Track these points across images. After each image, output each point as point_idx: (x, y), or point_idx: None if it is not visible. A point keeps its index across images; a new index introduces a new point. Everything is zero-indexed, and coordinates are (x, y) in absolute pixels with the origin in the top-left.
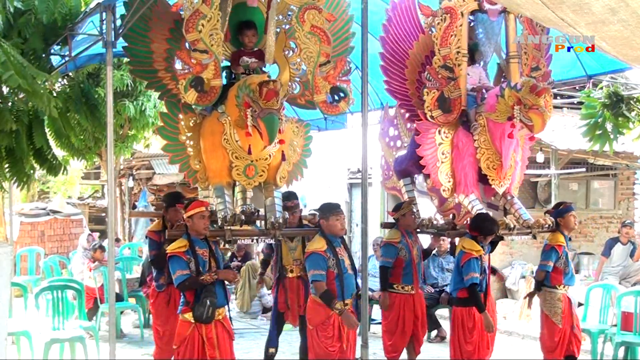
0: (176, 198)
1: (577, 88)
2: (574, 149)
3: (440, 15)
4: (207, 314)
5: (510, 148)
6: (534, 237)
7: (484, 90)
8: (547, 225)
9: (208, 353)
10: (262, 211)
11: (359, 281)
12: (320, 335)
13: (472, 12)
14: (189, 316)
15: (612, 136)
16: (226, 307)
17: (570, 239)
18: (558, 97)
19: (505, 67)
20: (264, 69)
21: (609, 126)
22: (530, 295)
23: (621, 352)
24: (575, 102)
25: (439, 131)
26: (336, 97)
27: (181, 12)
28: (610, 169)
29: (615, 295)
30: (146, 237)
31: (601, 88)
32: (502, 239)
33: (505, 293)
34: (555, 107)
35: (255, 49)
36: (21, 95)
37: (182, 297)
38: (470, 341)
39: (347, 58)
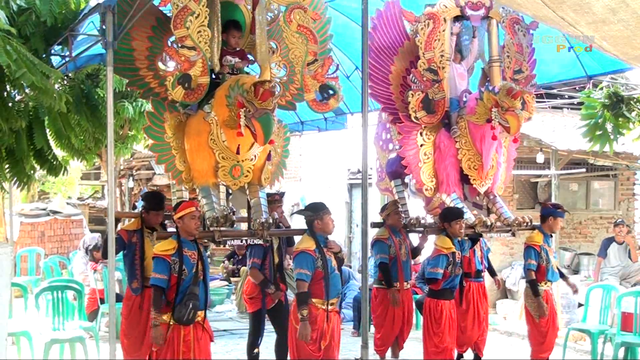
0: (158, 203)
1: (577, 88)
2: (574, 150)
3: (424, 21)
4: (188, 317)
5: (491, 149)
6: (513, 234)
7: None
8: (525, 224)
9: (183, 354)
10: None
11: (358, 280)
12: None
13: (457, 18)
14: (166, 317)
15: (612, 137)
16: (204, 310)
17: (551, 236)
18: (558, 98)
19: (488, 71)
20: (245, 69)
21: (609, 126)
22: (536, 295)
23: (621, 353)
24: (576, 102)
25: (421, 133)
26: (325, 95)
27: (161, 9)
28: (610, 169)
29: (615, 295)
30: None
31: (601, 88)
32: (481, 235)
33: (505, 293)
34: (555, 107)
35: (238, 48)
36: (27, 91)
37: None
38: (437, 332)
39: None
